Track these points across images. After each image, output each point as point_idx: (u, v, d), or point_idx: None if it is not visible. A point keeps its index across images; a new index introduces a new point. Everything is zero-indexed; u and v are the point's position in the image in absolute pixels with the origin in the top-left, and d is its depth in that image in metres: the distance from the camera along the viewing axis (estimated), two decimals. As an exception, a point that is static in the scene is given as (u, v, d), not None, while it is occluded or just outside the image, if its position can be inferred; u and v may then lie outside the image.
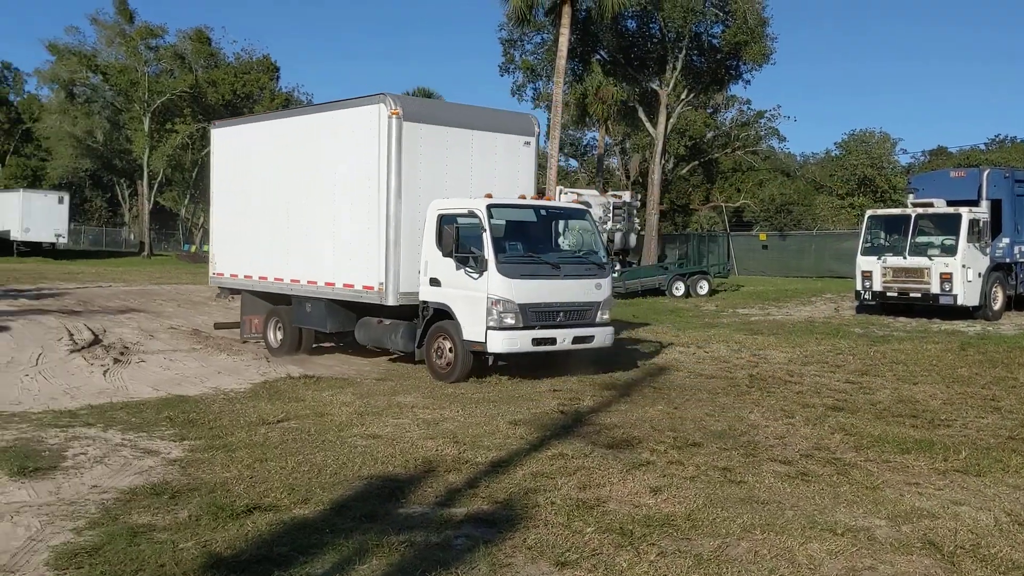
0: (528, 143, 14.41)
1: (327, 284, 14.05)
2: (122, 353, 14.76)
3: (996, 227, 22.35)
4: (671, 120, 41.48)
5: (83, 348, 15.02)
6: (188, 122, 54.50)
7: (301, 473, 7.45)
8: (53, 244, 49.46)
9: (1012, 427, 9.86)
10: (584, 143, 59.58)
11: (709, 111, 52.64)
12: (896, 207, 28.77)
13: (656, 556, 5.72)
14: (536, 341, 12.24)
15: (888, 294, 21.98)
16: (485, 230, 12.08)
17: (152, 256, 55.80)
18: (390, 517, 6.38)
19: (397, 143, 12.84)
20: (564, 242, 13.73)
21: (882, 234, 22.85)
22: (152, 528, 6.05)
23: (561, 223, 13.80)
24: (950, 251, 21.10)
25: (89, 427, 9.18)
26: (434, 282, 12.69)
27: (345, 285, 13.70)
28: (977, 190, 22.67)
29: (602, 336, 13.01)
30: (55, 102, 59.33)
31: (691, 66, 40.42)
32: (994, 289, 21.91)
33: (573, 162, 61.77)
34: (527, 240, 13.05)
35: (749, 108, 53.00)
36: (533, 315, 12.20)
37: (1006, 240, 22.52)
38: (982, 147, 58.14)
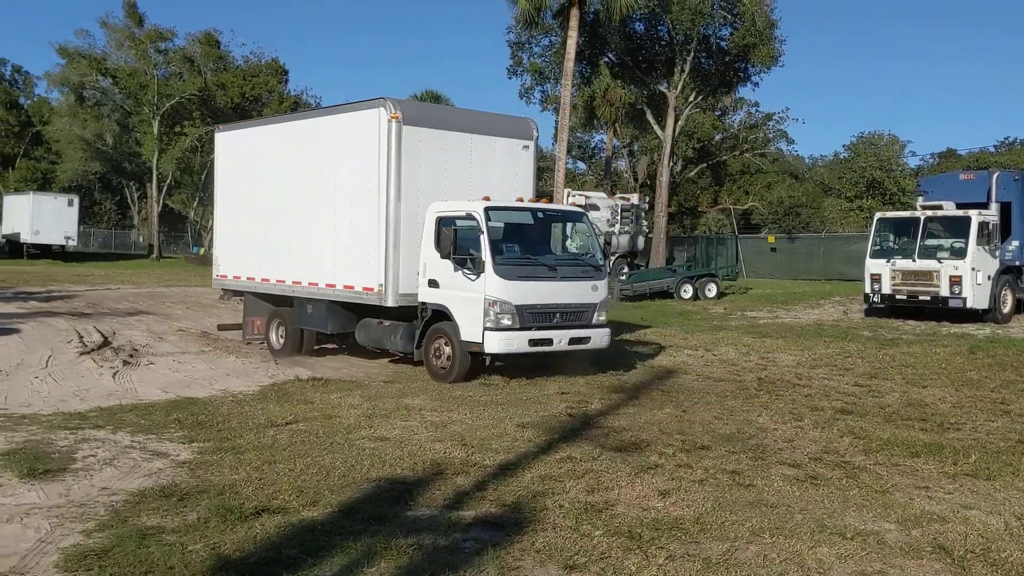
0: (527, 147, 14.57)
1: (328, 286, 14.21)
2: (131, 355, 14.82)
3: (1005, 230, 22.26)
4: (679, 122, 41.41)
5: (92, 350, 15.07)
6: (197, 125, 54.63)
7: (310, 475, 7.46)
8: (63, 246, 49.62)
9: (1022, 430, 9.82)
10: (592, 145, 59.66)
11: (717, 113, 52.59)
12: (905, 210, 28.69)
13: (665, 560, 5.71)
14: (533, 342, 12.39)
15: (897, 297, 21.90)
16: (482, 232, 12.24)
17: (161, 258, 55.96)
18: (398, 520, 6.38)
19: (397, 146, 12.99)
20: (561, 244, 13.86)
21: (891, 237, 22.78)
22: (161, 530, 6.06)
23: (558, 225, 13.95)
24: (959, 254, 21.02)
25: (98, 429, 9.20)
26: (433, 283, 12.84)
27: (345, 287, 13.86)
28: (986, 192, 22.58)
29: (598, 337, 13.13)
30: (65, 105, 59.56)
31: (699, 68, 40.34)
32: (1004, 292, 21.82)
33: (581, 164, 61.84)
34: (524, 242, 13.20)
35: (757, 110, 52.99)
36: (530, 316, 12.34)
37: (1015, 243, 22.43)
38: (991, 149, 57.87)
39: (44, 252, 48.95)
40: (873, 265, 22.30)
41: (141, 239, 71.27)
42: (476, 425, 9.58)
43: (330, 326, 14.49)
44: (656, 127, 42.06)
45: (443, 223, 12.59)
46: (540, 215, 13.51)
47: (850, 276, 34.26)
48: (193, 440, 8.79)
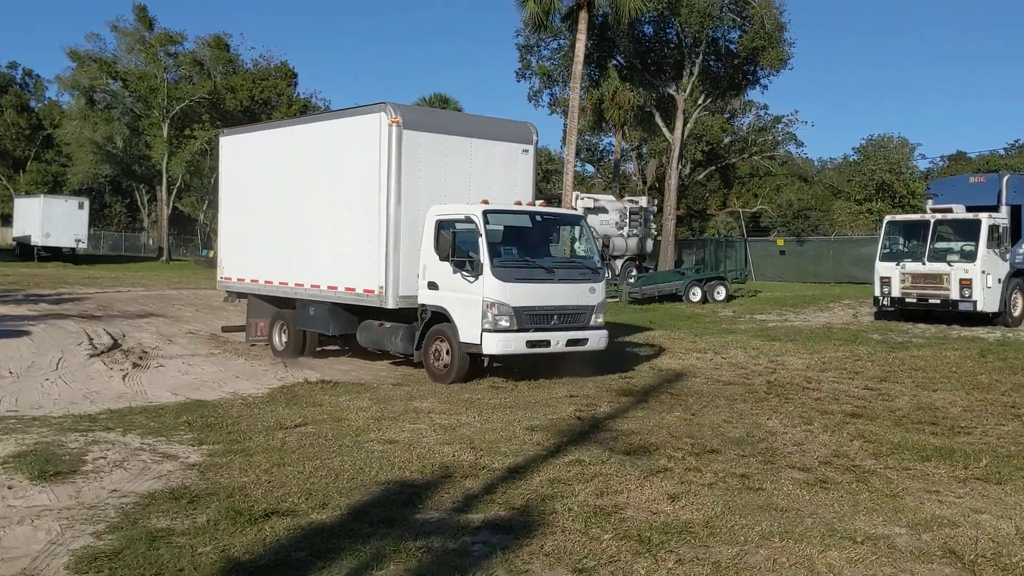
0: (526, 151, 14.73)
1: (329, 288, 14.38)
2: (141, 357, 14.87)
3: (1016, 233, 22.17)
4: (688, 125, 41.37)
5: (102, 352, 15.13)
6: (207, 128, 54.82)
7: (319, 478, 7.46)
8: (73, 249, 49.79)
9: (1033, 435, 9.77)
10: (601, 148, 59.69)
11: (726, 116, 52.54)
12: (915, 212, 28.60)
13: (674, 563, 5.70)
14: (530, 343, 12.55)
15: (907, 300, 21.82)
16: (481, 235, 12.40)
17: (170, 261, 56.18)
18: (407, 523, 6.38)
19: (397, 150, 13.17)
20: (559, 247, 14.00)
21: (901, 240, 22.70)
22: (171, 532, 6.07)
23: (556, 228, 14.10)
24: (969, 257, 20.94)
25: (109, 431, 9.23)
26: (432, 286, 12.99)
27: (347, 289, 14.03)
28: (997, 195, 22.50)
29: (596, 339, 13.26)
30: (76, 108, 59.79)
31: (708, 71, 40.30)
32: (1014, 295, 21.71)
33: (590, 167, 61.85)
34: (522, 245, 13.34)
35: (766, 113, 52.95)
36: (527, 318, 12.50)
37: (1026, 246, 22.34)
38: (1001, 152, 57.71)
39: (54, 255, 49.15)
40: (883, 268, 22.23)
41: (151, 242, 71.52)
42: (485, 428, 9.58)
43: (332, 328, 14.67)
44: (665, 130, 42.03)
45: (442, 226, 12.77)
46: (538, 218, 13.64)
47: (859, 279, 34.17)
48: (203, 442, 8.82)
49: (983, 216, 21.13)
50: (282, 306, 15.86)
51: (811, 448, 8.99)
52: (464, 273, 12.50)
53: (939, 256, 21.42)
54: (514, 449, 8.60)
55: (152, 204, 70.60)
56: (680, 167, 42.68)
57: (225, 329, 17.95)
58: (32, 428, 9.28)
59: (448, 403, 11.08)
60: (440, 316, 12.92)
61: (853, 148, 59.65)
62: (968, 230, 21.35)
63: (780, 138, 53.31)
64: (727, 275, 31.70)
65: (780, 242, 45.59)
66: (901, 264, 21.83)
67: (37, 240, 49.00)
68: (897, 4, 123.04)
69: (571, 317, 12.97)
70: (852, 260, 39.29)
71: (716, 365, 15.14)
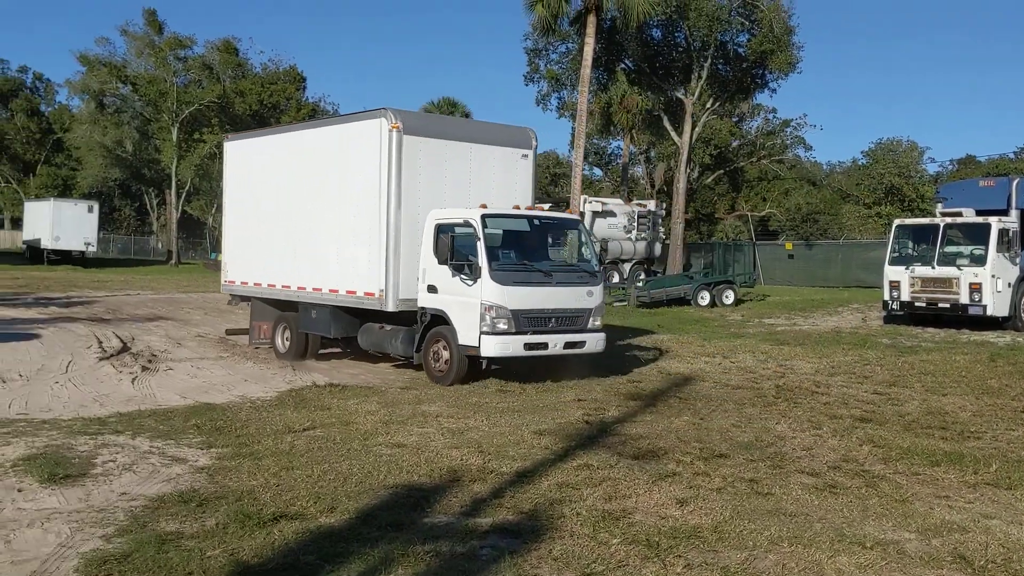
0: (526, 155, 14.88)
1: (331, 291, 14.57)
2: (150, 361, 14.92)
3: (1027, 237, 22.10)
4: (696, 129, 41.29)
5: (112, 356, 15.18)
6: (216, 132, 54.99)
7: (327, 481, 7.47)
8: (82, 252, 50.01)
9: (1044, 440, 9.73)
10: (609, 152, 59.59)
11: (735, 120, 52.41)
12: (924, 216, 28.50)
13: (683, 568, 5.69)
14: (528, 346, 12.72)
15: (916, 304, 21.76)
16: (479, 239, 12.56)
17: (179, 264, 56.36)
18: (416, 526, 6.38)
19: (397, 155, 13.33)
20: (557, 251, 14.16)
21: (910, 244, 22.64)
22: (180, 536, 6.09)
23: (554, 232, 14.25)
24: (979, 261, 20.86)
25: (118, 434, 9.26)
26: (431, 289, 13.15)
27: (348, 292, 14.21)
28: (1006, 199, 22.44)
29: (593, 342, 13.41)
30: (85, 112, 60.10)
31: (716, 75, 40.21)
32: (1024, 299, 21.64)
33: (598, 171, 61.81)
34: (521, 248, 13.52)
35: (775, 117, 52.78)
36: (525, 321, 12.67)
37: (1036, 250, 22.25)
38: (1011, 156, 57.44)
39: (64, 258, 49.35)
40: (892, 272, 22.16)
41: (160, 245, 71.78)
42: (493, 432, 9.57)
43: (333, 330, 14.85)
44: (673, 133, 41.98)
45: (441, 230, 12.93)
46: (536, 222, 13.79)
47: (868, 283, 34.06)
48: (211, 446, 8.83)
49: (993, 220, 21.05)
50: (285, 309, 16.05)
51: (820, 453, 8.97)
52: (463, 276, 12.66)
53: (949, 260, 21.34)
54: (522, 453, 8.59)
55: (161, 208, 70.84)
56: (688, 171, 42.61)
57: (229, 332, 18.21)
58: (42, 431, 9.31)
59: (456, 407, 11.08)
60: (439, 319, 13.09)
61: (862, 152, 59.52)
62: (978, 234, 21.28)
63: (789, 142, 53.16)
64: (736, 279, 31.63)
65: (789, 246, 45.46)
66: (910, 268, 21.77)
67: (47, 243, 49.22)
68: (906, 7, 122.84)
69: (569, 320, 13.14)
70: (861, 264, 39.18)
71: (725, 369, 15.11)
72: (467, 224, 12.74)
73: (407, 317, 13.64)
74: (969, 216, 21.77)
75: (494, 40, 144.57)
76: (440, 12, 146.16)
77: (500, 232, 13.27)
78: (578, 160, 33.01)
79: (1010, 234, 21.18)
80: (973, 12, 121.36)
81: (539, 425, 9.93)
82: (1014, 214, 21.99)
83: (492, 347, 12.47)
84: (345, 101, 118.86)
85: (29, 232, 52.44)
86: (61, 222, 49.14)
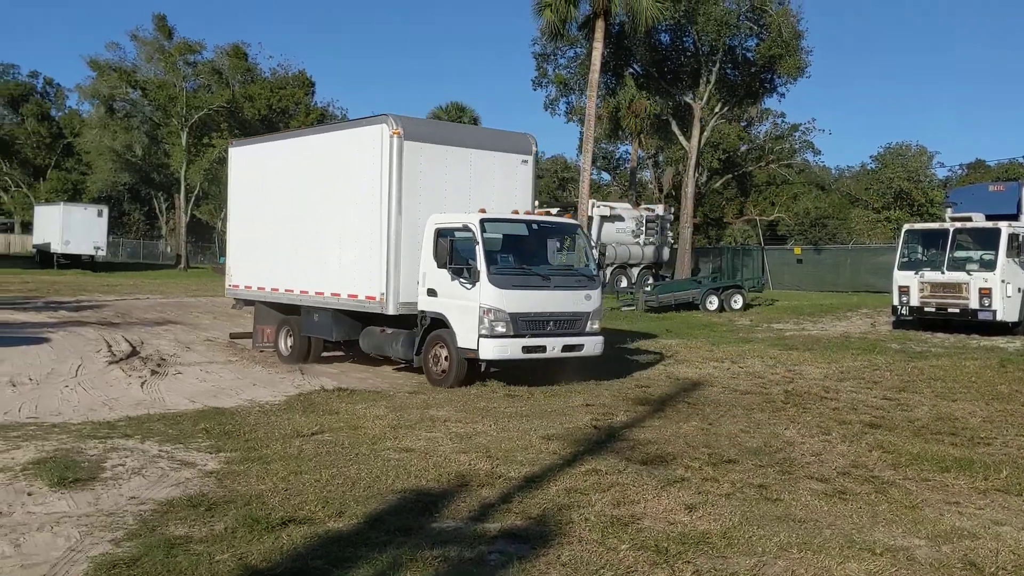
0: (526, 161, 15.02)
1: (333, 295, 14.71)
2: (159, 365, 14.96)
3: (1036, 241, 22.01)
4: (705, 133, 41.27)
5: (121, 360, 15.23)
6: (225, 136, 55.15)
7: (335, 486, 7.48)
8: (92, 256, 50.19)
9: (1055, 446, 9.68)
10: (617, 156, 59.69)
11: (743, 124, 52.41)
12: (933, 221, 28.43)
13: (692, 574, 5.68)
14: (526, 349, 12.88)
15: (925, 309, 21.70)
16: (478, 243, 12.72)
17: (188, 268, 56.48)
18: (424, 531, 6.38)
19: (398, 161, 13.48)
20: (555, 255, 14.28)
21: (919, 248, 22.59)
22: (189, 540, 6.10)
23: (553, 237, 14.34)
24: (989, 266, 20.80)
25: (127, 438, 9.28)
26: (431, 292, 13.30)
27: (349, 296, 14.35)
28: (1016, 204, 22.39)
29: (591, 345, 13.55)
30: (95, 117, 60.38)
31: (725, 79, 40.21)
32: (1034, 305, 21.54)
33: (606, 175, 61.90)
34: (519, 253, 13.63)
35: (783, 121, 52.78)
36: (524, 324, 12.82)
37: (1046, 255, 22.16)
38: (1021, 160, 57.26)
39: (74, 262, 49.52)
40: (901, 277, 22.11)
41: (169, 249, 71.98)
42: (501, 437, 9.57)
43: (335, 334, 15.02)
44: (681, 138, 41.97)
45: (441, 234, 13.07)
46: (535, 226, 13.91)
47: (878, 288, 33.96)
48: (220, 450, 8.85)
49: (1003, 225, 20.99)
50: (288, 313, 16.20)
51: (829, 458, 8.94)
52: (462, 280, 12.82)
53: (958, 265, 21.29)
54: (530, 458, 8.59)
55: (170, 212, 71.08)
56: (697, 175, 42.57)
57: (233, 336, 18.42)
58: (52, 435, 9.34)
59: (464, 412, 11.08)
60: (439, 322, 13.24)
61: (871, 156, 59.47)
62: (987, 239, 21.22)
63: (797, 146, 53.17)
64: (744, 284, 31.61)
65: (797, 251, 45.38)
66: (920, 273, 21.72)
67: (57, 247, 49.43)
68: (914, 12, 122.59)
69: (567, 323, 13.30)
70: (870, 269, 39.08)
71: (733, 374, 15.08)
72: (466, 228, 12.89)
73: (408, 320, 13.78)
74: (979, 221, 21.73)
75: (502, 45, 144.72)
76: (447, 17, 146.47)
77: (499, 236, 13.44)
78: (586, 164, 33.01)
79: (1020, 239, 21.10)
80: (982, 16, 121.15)
81: (547, 430, 9.92)
82: (1024, 219, 21.93)
83: (490, 350, 12.62)
84: (354, 106, 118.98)
85: (39, 236, 52.69)
86: (71, 226, 49.36)
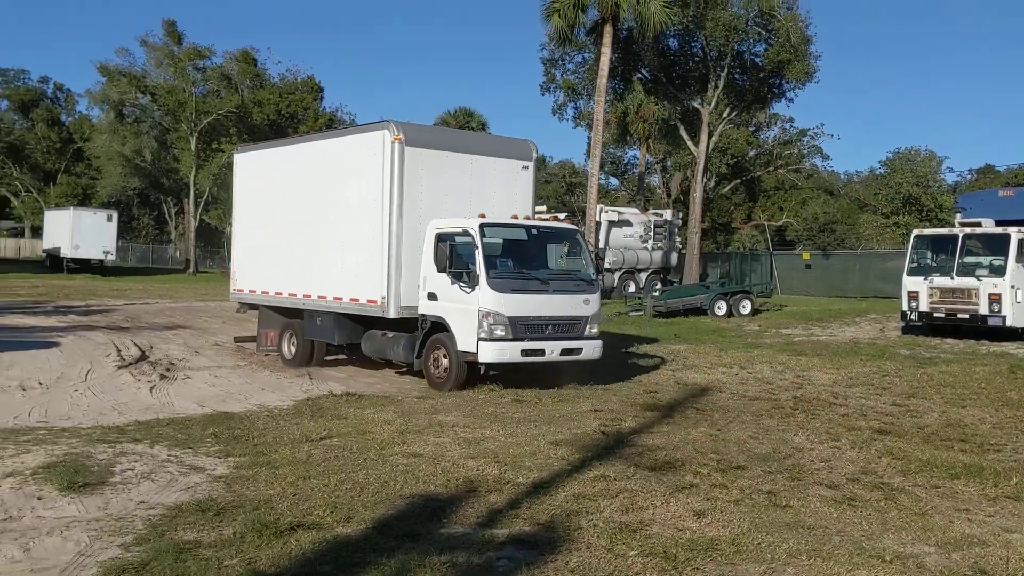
0: (526, 167, 15.17)
1: (335, 299, 14.86)
2: (168, 369, 15.00)
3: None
4: (713, 138, 41.23)
5: (130, 364, 15.29)
6: (234, 141, 55.23)
7: (344, 491, 7.49)
8: (101, 261, 50.39)
9: (1065, 453, 9.63)
10: (625, 161, 59.61)
11: (751, 129, 52.36)
12: (942, 226, 28.34)
13: (700, 581, 5.67)
14: (525, 352, 13.04)
15: (935, 315, 21.61)
16: (477, 247, 12.88)
17: (197, 273, 56.64)
18: (432, 537, 6.38)
19: (400, 166, 13.62)
20: (554, 260, 14.41)
21: (929, 254, 22.51)
22: (198, 544, 6.11)
23: (552, 242, 14.47)
24: (999, 272, 20.72)
25: (136, 443, 9.31)
26: (432, 296, 13.45)
27: (351, 299, 14.52)
28: (1026, 209, 22.27)
29: (590, 349, 13.69)
30: (105, 122, 60.61)
31: (733, 84, 40.16)
32: (1044, 310, 21.45)
33: (614, 180, 61.80)
34: (518, 257, 13.80)
35: (792, 126, 52.70)
36: (523, 328, 12.97)
37: (1056, 261, 22.05)
38: (1031, 165, 57.09)
39: (83, 266, 49.75)
40: (910, 282, 22.03)
41: (178, 254, 72.16)
42: (509, 442, 9.57)
43: (337, 337, 15.16)
44: (690, 143, 41.94)
45: (441, 239, 13.26)
46: (534, 231, 14.03)
47: (886, 293, 33.85)
48: (229, 454, 8.87)
49: (1012, 230, 20.91)
50: (291, 317, 16.32)
51: (838, 465, 8.91)
52: (462, 284, 12.96)
53: (968, 271, 21.21)
54: (539, 464, 8.58)
55: (179, 217, 71.31)
56: (705, 180, 42.54)
57: (237, 339, 18.56)
58: (61, 439, 9.38)
59: (472, 417, 11.08)
60: (439, 326, 13.37)
61: (880, 161, 59.14)
62: (997, 244, 21.13)
63: (806, 151, 53.04)
64: (752, 289, 31.49)
65: (806, 256, 45.26)
66: (929, 279, 21.64)
67: (66, 252, 49.65)
68: (923, 17, 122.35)
69: (566, 327, 13.43)
70: (879, 274, 38.95)
71: (742, 380, 15.05)
72: (466, 233, 13.04)
73: (409, 324, 13.90)
74: (988, 226, 21.64)
75: (511, 50, 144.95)
76: (456, 22, 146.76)
77: (499, 241, 13.59)
78: (594, 170, 33.01)
79: (1030, 244, 21.01)
80: (991, 21, 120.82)
81: (555, 435, 9.91)
82: (1034, 224, 21.81)
83: (490, 353, 12.76)
84: (362, 111, 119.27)
85: (49, 241, 52.93)
86: (81, 231, 49.58)
